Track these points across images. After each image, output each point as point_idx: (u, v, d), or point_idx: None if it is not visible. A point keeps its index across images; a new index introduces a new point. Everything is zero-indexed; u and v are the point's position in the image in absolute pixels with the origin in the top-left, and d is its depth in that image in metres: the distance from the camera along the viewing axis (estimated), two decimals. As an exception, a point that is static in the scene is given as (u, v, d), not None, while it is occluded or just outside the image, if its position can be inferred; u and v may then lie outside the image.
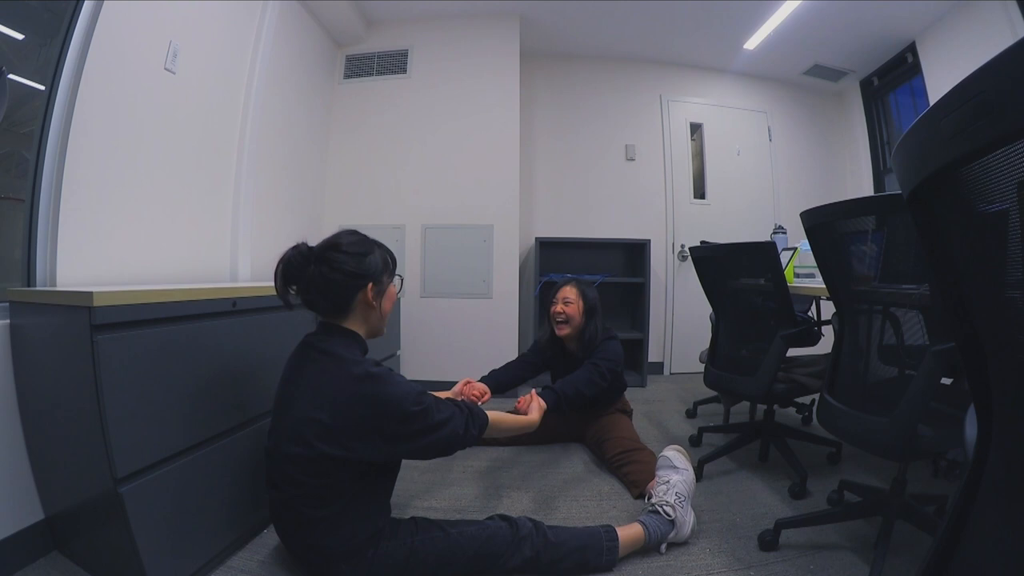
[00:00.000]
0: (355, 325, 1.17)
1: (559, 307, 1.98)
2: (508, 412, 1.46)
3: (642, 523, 1.30)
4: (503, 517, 1.23)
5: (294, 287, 1.13)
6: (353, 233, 1.19)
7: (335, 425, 1.03)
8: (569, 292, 2.00)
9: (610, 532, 1.26)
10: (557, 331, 1.98)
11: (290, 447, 1.05)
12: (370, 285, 1.15)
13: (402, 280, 1.30)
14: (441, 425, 1.10)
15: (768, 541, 1.32)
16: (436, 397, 1.15)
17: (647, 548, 1.29)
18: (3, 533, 1.16)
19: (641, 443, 1.84)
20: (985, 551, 0.45)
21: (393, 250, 1.26)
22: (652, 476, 1.57)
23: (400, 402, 1.06)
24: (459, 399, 1.29)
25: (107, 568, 1.12)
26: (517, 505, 1.59)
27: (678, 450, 1.53)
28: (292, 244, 1.13)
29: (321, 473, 1.05)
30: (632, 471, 1.69)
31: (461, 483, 1.75)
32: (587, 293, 2.00)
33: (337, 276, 1.11)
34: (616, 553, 1.24)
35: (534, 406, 1.49)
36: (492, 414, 1.26)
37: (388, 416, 1.05)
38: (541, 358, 2.10)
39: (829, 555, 1.28)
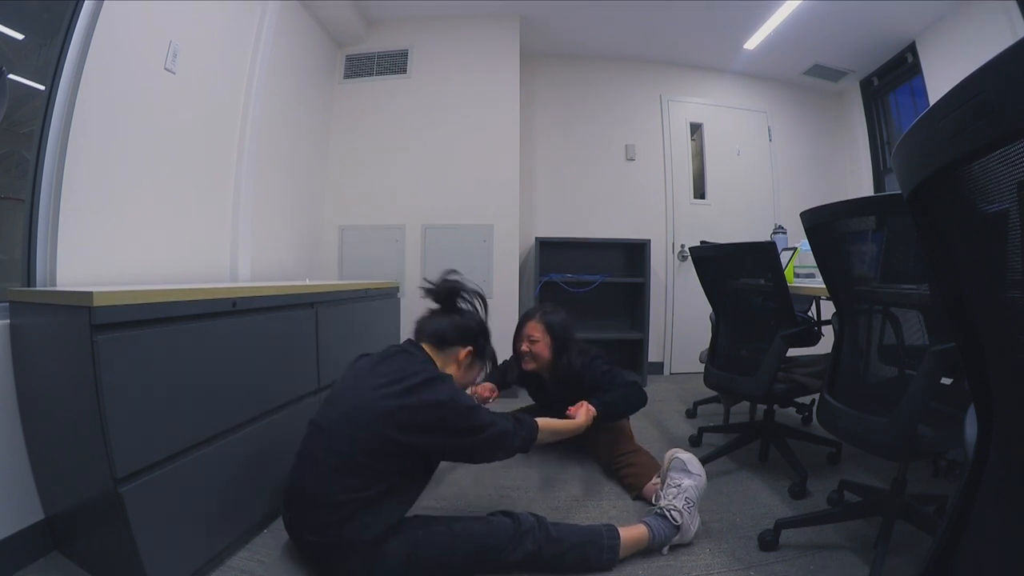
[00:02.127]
0: (439, 364, 1.29)
1: (524, 346, 1.87)
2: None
3: (647, 524, 1.30)
4: (505, 513, 1.23)
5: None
6: (483, 305, 1.41)
7: (407, 417, 1.11)
8: (534, 330, 1.87)
9: (612, 531, 1.26)
10: (524, 366, 1.90)
11: (355, 422, 1.12)
12: (471, 348, 1.33)
13: (484, 373, 1.52)
14: (491, 425, 1.19)
15: (768, 541, 1.32)
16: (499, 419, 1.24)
17: (650, 549, 1.29)
18: (3, 533, 1.16)
19: (637, 445, 1.84)
20: (985, 551, 0.45)
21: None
22: (649, 479, 1.58)
23: (463, 401, 1.18)
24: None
25: (107, 568, 1.12)
26: (519, 505, 1.59)
27: (691, 454, 1.46)
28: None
29: (375, 453, 1.10)
30: (629, 474, 1.69)
31: (463, 484, 1.75)
32: (553, 327, 1.86)
33: (464, 324, 1.34)
34: (617, 552, 1.24)
35: (582, 412, 1.56)
36: (541, 421, 1.33)
37: (454, 412, 1.14)
38: (506, 378, 2.02)
39: (829, 555, 1.28)
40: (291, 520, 1.19)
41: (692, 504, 1.34)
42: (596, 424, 1.67)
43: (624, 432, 1.92)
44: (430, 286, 1.38)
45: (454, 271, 1.38)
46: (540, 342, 1.86)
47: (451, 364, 1.32)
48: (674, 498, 1.34)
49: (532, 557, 1.17)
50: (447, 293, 1.36)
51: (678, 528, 1.30)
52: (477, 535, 1.17)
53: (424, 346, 1.30)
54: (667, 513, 1.32)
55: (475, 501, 1.62)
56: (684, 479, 1.36)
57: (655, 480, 1.56)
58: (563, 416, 1.55)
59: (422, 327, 1.34)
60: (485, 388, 1.80)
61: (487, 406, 1.76)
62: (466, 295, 1.38)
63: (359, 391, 1.17)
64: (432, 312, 1.37)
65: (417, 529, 1.15)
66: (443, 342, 1.31)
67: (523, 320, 1.94)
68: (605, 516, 1.51)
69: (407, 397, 1.12)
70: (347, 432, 1.11)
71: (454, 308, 1.37)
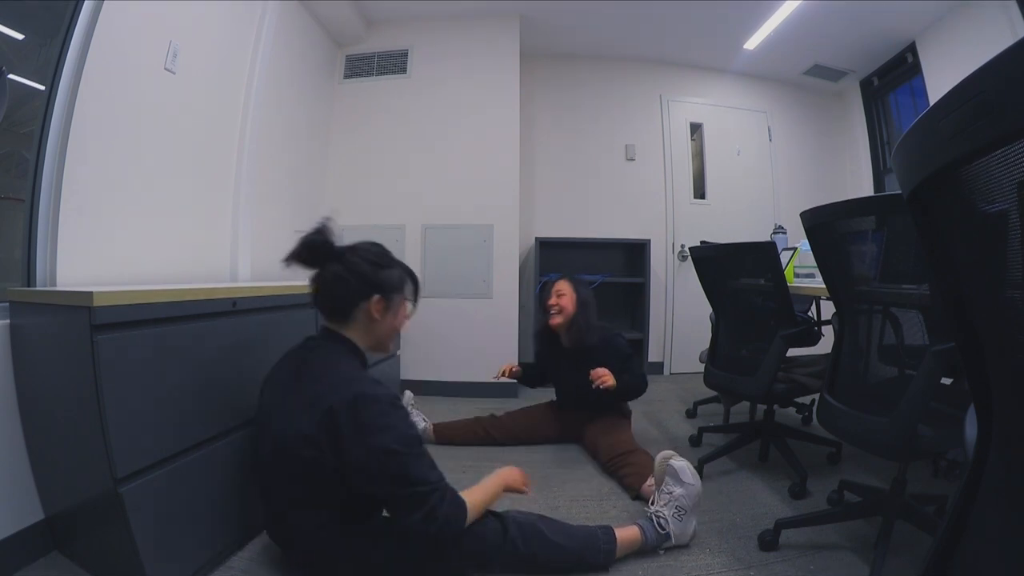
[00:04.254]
0: (356, 335, 1.15)
1: (552, 299, 2.06)
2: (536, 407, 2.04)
3: (640, 526, 1.31)
4: (493, 514, 1.19)
5: (309, 273, 1.13)
6: (376, 245, 1.19)
7: (321, 438, 1.00)
8: (563, 285, 2.08)
9: (608, 533, 1.26)
10: (550, 321, 2.06)
11: (285, 460, 1.05)
12: (377, 297, 1.14)
13: (413, 305, 1.26)
14: (422, 482, 1.00)
15: (768, 541, 1.32)
16: (432, 459, 1.07)
17: (643, 551, 1.30)
18: (3, 533, 1.16)
19: (635, 444, 1.84)
20: (985, 551, 0.45)
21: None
22: (645, 479, 1.58)
23: (389, 435, 0.99)
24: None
25: (107, 568, 1.12)
26: (517, 505, 1.58)
27: (686, 462, 1.42)
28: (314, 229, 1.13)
29: (314, 488, 1.04)
30: (627, 474, 1.69)
31: (461, 484, 1.75)
32: (579, 285, 2.09)
33: (348, 277, 1.11)
34: (613, 555, 1.24)
35: (608, 376, 1.77)
36: (468, 499, 1.10)
37: (371, 447, 0.98)
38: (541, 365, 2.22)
39: (829, 555, 1.28)
40: (273, 535, 1.19)
41: (684, 512, 1.33)
42: (598, 411, 1.96)
43: (624, 433, 1.93)
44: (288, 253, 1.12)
45: (319, 227, 1.14)
46: (567, 296, 2.05)
47: (367, 326, 1.15)
48: (664, 505, 1.34)
49: (526, 561, 1.15)
50: (310, 251, 1.11)
51: (667, 536, 1.30)
52: (465, 537, 1.10)
53: (331, 328, 1.15)
54: (654, 519, 1.32)
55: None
56: (676, 488, 1.35)
57: (650, 481, 1.56)
58: (586, 375, 1.81)
59: (319, 307, 1.16)
60: (512, 366, 2.03)
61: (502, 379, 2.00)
62: (329, 239, 1.13)
63: (285, 423, 1.05)
64: (313, 283, 1.15)
65: (403, 536, 1.09)
66: (341, 313, 1.13)
67: (552, 282, 2.12)
68: (605, 516, 1.51)
69: (348, 443, 0.98)
70: (284, 471, 1.06)
71: (332, 263, 1.12)
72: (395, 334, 1.24)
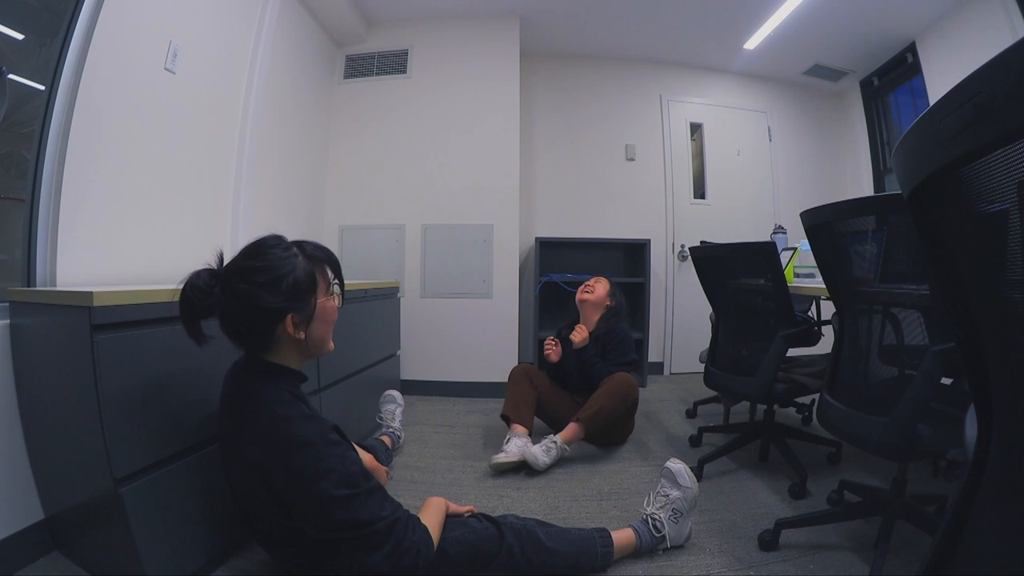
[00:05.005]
0: (283, 357, 1.02)
1: (590, 281, 2.25)
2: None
3: (635, 529, 1.31)
4: (487, 518, 1.18)
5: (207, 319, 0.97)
6: (266, 250, 0.98)
7: (261, 487, 0.96)
8: (600, 280, 2.26)
9: (605, 536, 1.26)
10: (578, 295, 2.23)
11: (236, 474, 1.02)
12: (289, 317, 0.97)
13: (342, 290, 1.11)
14: (375, 520, 0.93)
15: (768, 541, 1.32)
16: (383, 489, 1.00)
17: (638, 553, 1.30)
18: (3, 533, 1.16)
19: (614, 417, 1.96)
20: (985, 551, 0.45)
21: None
22: (581, 430, 1.88)
23: (328, 481, 0.91)
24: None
25: (107, 568, 1.12)
26: (517, 506, 1.59)
27: (684, 465, 1.42)
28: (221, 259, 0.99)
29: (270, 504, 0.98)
30: (588, 415, 1.89)
31: (461, 484, 1.76)
32: (615, 288, 2.26)
33: (246, 312, 0.94)
34: (611, 558, 1.24)
35: (583, 334, 2.03)
36: (430, 525, 1.05)
37: (311, 497, 0.91)
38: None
39: (829, 555, 1.28)
40: (255, 537, 1.17)
41: (680, 515, 1.33)
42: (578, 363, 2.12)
43: (615, 403, 1.96)
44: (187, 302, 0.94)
45: (196, 274, 0.94)
46: (603, 285, 2.23)
47: (293, 345, 1.02)
48: (660, 508, 1.34)
49: (523, 568, 1.14)
50: (191, 311, 0.93)
51: (662, 538, 1.31)
52: (461, 546, 1.09)
53: (258, 358, 1.02)
54: (649, 522, 1.32)
55: (474, 502, 1.61)
56: (672, 491, 1.35)
57: (576, 432, 1.89)
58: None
59: (231, 338, 1.01)
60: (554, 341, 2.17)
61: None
62: (208, 276, 0.94)
63: (236, 454, 1.00)
64: (220, 323, 0.99)
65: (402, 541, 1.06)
66: (257, 346, 1.01)
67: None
68: (605, 516, 1.51)
69: (288, 496, 0.93)
70: (247, 489, 1.02)
71: (223, 301, 0.95)
72: (328, 334, 1.09)
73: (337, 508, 0.92)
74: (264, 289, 0.94)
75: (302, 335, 1.00)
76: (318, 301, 1.03)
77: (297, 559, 1.03)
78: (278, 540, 1.04)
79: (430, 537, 1.02)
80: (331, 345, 1.11)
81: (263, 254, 0.98)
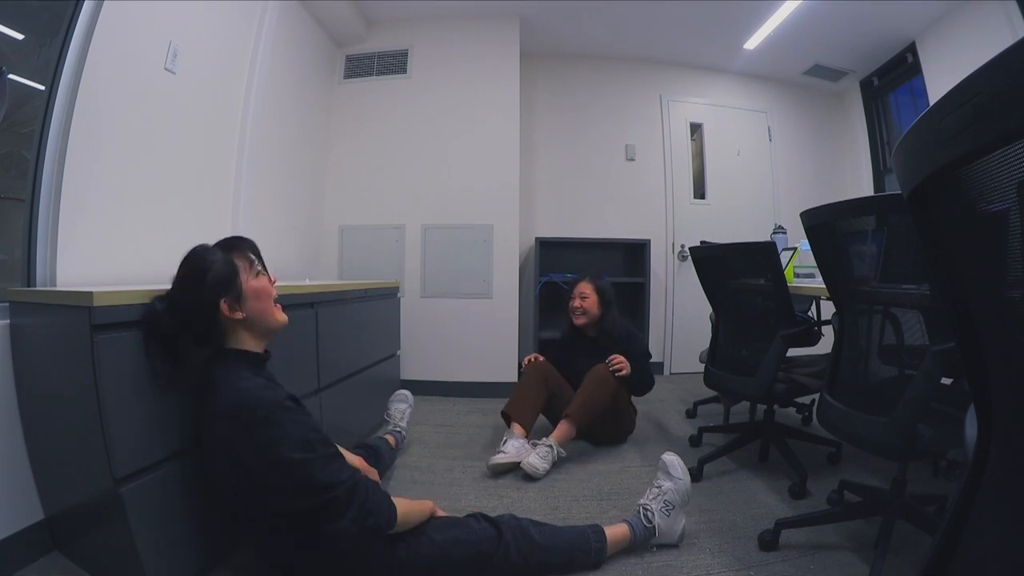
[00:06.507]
0: (239, 340, 1.11)
1: (577, 302, 2.17)
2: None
3: (629, 523, 1.31)
4: (485, 518, 1.19)
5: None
6: (188, 259, 1.08)
7: (231, 469, 0.99)
8: (585, 287, 2.18)
9: (598, 532, 1.26)
10: (575, 321, 2.19)
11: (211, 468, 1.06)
12: (222, 303, 1.05)
13: (262, 264, 1.17)
14: (335, 484, 0.97)
15: (768, 541, 1.32)
16: (341, 455, 1.05)
17: (633, 547, 1.30)
18: (3, 533, 1.16)
19: (600, 414, 1.95)
20: (985, 551, 0.45)
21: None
22: (573, 429, 1.89)
23: (287, 444, 0.95)
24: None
25: (107, 568, 1.12)
26: (517, 506, 1.59)
27: (677, 457, 1.44)
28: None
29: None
30: (575, 413, 1.89)
31: (461, 484, 1.76)
32: (601, 286, 2.18)
33: (185, 316, 1.05)
34: (604, 554, 1.25)
35: (625, 365, 1.97)
36: (400, 507, 1.07)
37: (272, 463, 0.95)
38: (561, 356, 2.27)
39: (829, 555, 1.28)
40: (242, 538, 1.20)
41: (672, 507, 1.33)
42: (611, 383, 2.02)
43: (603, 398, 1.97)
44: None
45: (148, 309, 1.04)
46: (590, 298, 2.16)
47: (239, 326, 1.10)
48: (653, 499, 1.34)
49: (519, 567, 1.14)
50: (160, 342, 1.04)
51: (652, 529, 1.30)
52: (460, 546, 1.11)
53: (220, 348, 1.10)
54: (641, 513, 1.33)
55: (473, 501, 1.61)
56: (665, 482, 1.36)
57: (568, 432, 1.89)
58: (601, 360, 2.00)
59: (197, 343, 1.10)
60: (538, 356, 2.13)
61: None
62: (158, 306, 1.04)
63: (209, 438, 1.05)
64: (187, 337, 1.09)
65: (399, 546, 1.08)
66: (207, 339, 1.09)
67: (574, 283, 2.23)
68: (604, 516, 1.51)
69: (252, 464, 0.96)
70: (222, 486, 1.07)
71: (170, 299, 1.06)
72: (269, 308, 1.14)
73: (296, 470, 0.96)
74: (188, 293, 1.05)
75: (240, 314, 1.08)
76: (245, 282, 1.11)
77: (273, 548, 1.05)
78: (258, 537, 1.06)
79: (391, 501, 1.06)
80: (281, 317, 1.18)
81: (186, 262, 1.08)
